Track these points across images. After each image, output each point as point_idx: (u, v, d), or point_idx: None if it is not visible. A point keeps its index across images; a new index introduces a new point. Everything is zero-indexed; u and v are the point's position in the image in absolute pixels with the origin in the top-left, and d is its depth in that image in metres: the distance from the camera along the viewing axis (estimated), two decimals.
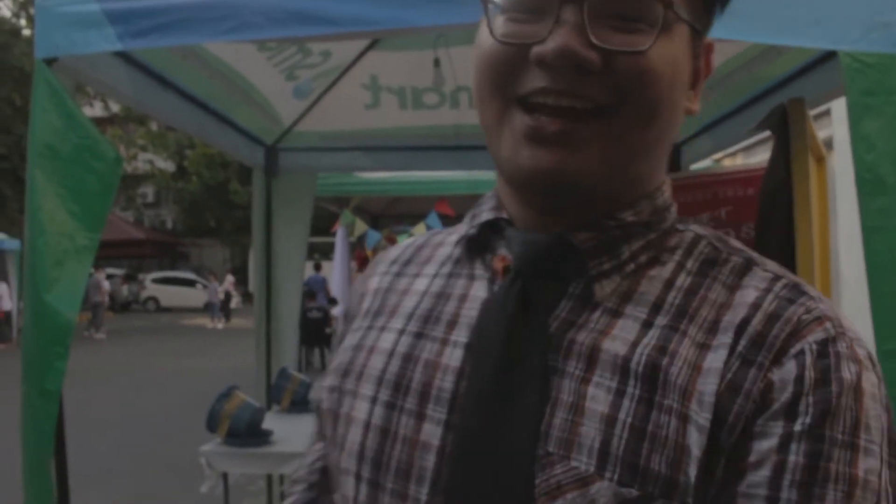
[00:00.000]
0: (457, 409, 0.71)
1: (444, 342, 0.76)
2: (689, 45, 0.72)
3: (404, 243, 0.95)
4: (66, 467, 2.50)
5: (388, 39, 3.93)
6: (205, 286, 30.96)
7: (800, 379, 0.63)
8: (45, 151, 2.38)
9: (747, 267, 0.74)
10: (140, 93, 3.13)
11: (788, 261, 2.68)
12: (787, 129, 2.63)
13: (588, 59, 0.65)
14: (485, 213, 0.81)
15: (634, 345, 0.68)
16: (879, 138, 2.20)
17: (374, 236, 8.14)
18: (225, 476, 3.61)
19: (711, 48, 0.78)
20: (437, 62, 3.85)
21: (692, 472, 0.62)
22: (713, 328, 0.68)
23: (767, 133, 2.80)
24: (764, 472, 0.62)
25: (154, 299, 30.97)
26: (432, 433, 0.71)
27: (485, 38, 0.72)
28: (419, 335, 0.78)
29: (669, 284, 0.73)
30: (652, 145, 0.73)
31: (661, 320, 0.70)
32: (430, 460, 0.70)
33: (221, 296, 24.34)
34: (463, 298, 0.79)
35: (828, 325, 0.67)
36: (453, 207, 7.16)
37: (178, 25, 2.26)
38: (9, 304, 18.06)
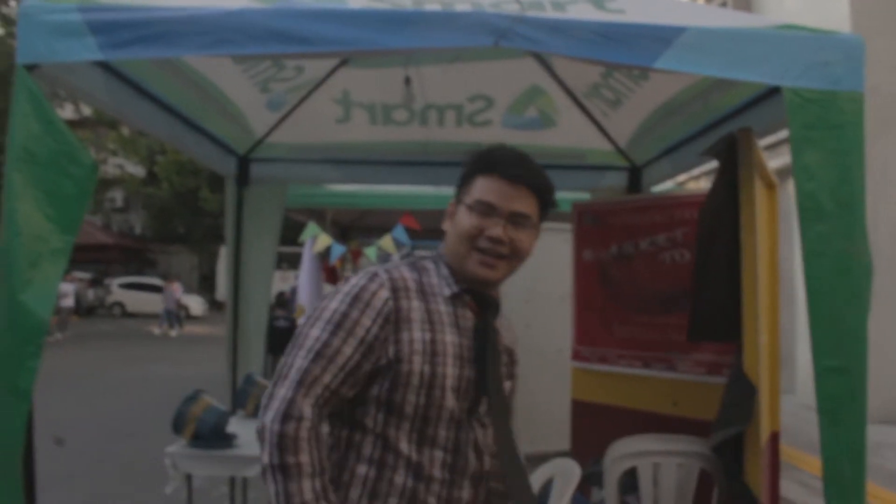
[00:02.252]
0: (481, 365, 1.69)
1: (468, 337, 1.70)
2: (537, 231, 1.74)
3: (407, 272, 1.72)
4: (34, 468, 2.55)
5: (360, 58, 4.04)
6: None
7: None
8: (23, 155, 2.44)
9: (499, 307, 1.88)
10: (116, 99, 3.20)
11: (733, 280, 2.82)
12: (734, 156, 2.77)
13: (504, 240, 1.67)
14: (451, 283, 1.73)
15: (502, 337, 1.81)
16: (819, 169, 2.34)
17: (338, 249, 8.08)
18: (189, 478, 3.66)
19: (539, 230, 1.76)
20: (407, 80, 3.97)
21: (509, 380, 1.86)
22: (509, 329, 1.90)
23: None
24: None
25: (120, 304, 30.64)
26: (471, 373, 1.67)
27: (465, 219, 1.69)
28: (460, 334, 1.69)
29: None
30: (515, 270, 1.74)
31: (501, 329, 1.82)
32: (471, 384, 1.67)
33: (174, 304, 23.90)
34: (465, 318, 1.72)
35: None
36: (420, 221, 7.26)
37: (158, 38, 2.34)
38: None
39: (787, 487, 6.08)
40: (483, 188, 1.67)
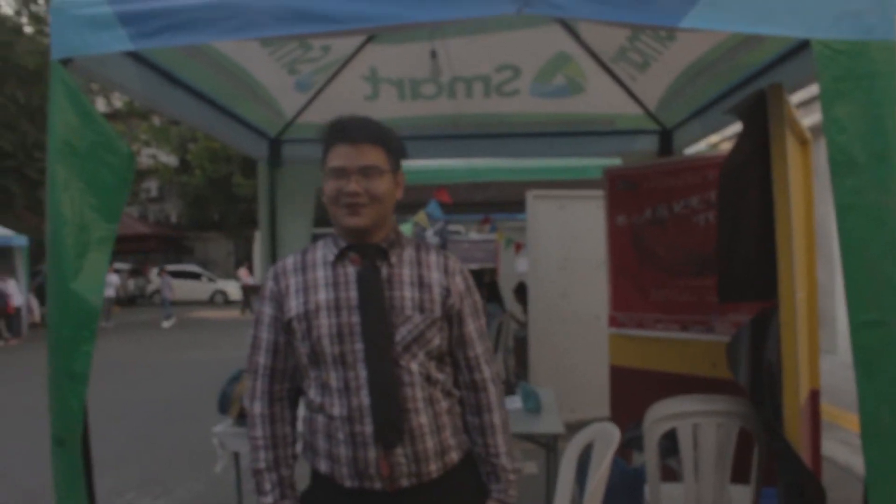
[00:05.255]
0: (362, 311, 1.96)
1: (347, 289, 2.00)
2: (392, 175, 2.05)
3: (291, 259, 2.13)
4: (90, 449, 2.64)
5: (385, 33, 4.06)
6: (211, 279, 31.01)
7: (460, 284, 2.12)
8: (63, 148, 2.51)
9: (427, 248, 2.13)
10: (149, 90, 3.27)
11: (766, 238, 2.81)
12: (758, 115, 2.75)
13: (359, 191, 1.98)
14: (339, 245, 2.07)
15: (410, 274, 2.04)
16: (850, 121, 2.31)
17: None
18: (236, 456, 3.75)
19: (402, 175, 2.11)
20: (433, 54, 3.98)
21: (438, 309, 2.02)
22: (430, 267, 2.07)
23: None
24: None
25: (160, 293, 31.15)
26: (356, 318, 1.96)
27: (327, 186, 2.02)
28: (336, 289, 2.01)
29: (409, 255, 2.08)
30: (384, 213, 2.03)
31: (415, 267, 2.05)
32: (357, 328, 1.95)
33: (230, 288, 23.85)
34: (346, 275, 2.02)
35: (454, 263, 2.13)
36: (452, 195, 7.26)
37: (186, 25, 2.39)
38: (18, 300, 18.21)
39: (829, 446, 6.06)
40: (333, 156, 2.01)
